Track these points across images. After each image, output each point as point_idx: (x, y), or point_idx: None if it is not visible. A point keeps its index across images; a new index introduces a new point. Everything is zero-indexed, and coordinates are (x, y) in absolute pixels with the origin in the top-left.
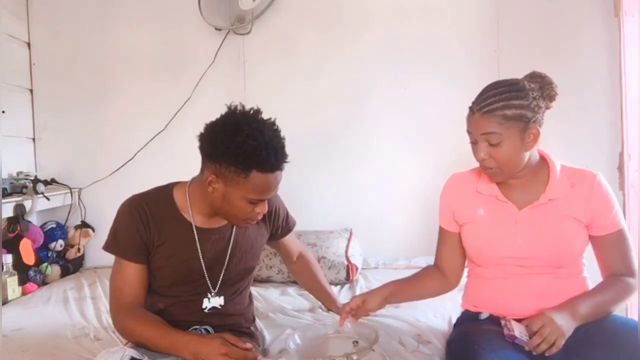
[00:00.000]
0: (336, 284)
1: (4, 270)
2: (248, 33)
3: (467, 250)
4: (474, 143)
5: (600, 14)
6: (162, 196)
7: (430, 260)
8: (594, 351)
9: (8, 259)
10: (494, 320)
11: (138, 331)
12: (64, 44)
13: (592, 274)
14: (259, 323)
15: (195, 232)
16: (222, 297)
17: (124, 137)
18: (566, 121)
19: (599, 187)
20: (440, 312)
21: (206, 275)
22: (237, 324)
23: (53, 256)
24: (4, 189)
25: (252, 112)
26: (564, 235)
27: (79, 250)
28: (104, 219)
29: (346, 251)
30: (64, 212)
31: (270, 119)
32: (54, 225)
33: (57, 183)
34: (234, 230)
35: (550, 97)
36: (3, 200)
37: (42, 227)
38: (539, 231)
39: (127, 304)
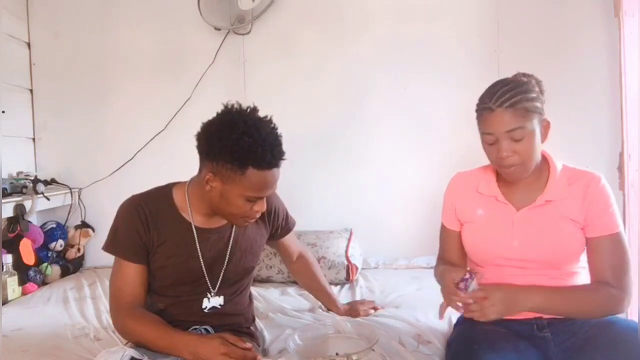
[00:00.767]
0: (336, 284)
1: (4, 270)
2: (248, 33)
3: (466, 249)
4: (493, 144)
5: (600, 14)
6: (161, 196)
7: (430, 260)
8: (595, 352)
9: (8, 259)
10: (494, 320)
11: (138, 331)
12: (64, 44)
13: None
14: (259, 323)
15: (194, 232)
16: (221, 297)
17: (124, 137)
18: (566, 121)
19: (595, 187)
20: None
21: (206, 275)
22: (237, 323)
23: (53, 256)
24: (4, 189)
25: (248, 110)
26: (560, 237)
27: (79, 250)
28: (104, 219)
29: (346, 251)
30: (64, 212)
31: (266, 116)
32: (54, 225)
33: (57, 183)
34: (233, 230)
35: (543, 93)
36: (3, 200)
37: (42, 227)
38: (535, 233)
39: (127, 304)
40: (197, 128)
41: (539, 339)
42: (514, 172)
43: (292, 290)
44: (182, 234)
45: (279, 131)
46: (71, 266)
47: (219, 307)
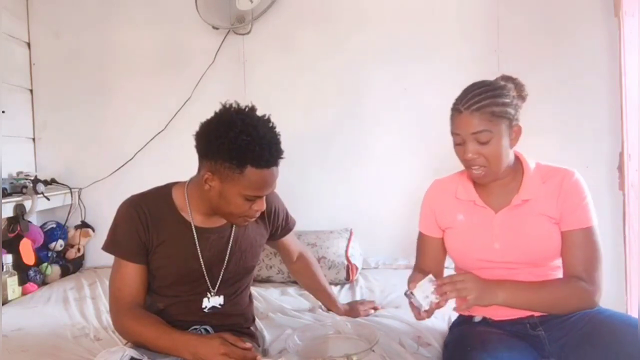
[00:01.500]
0: (336, 284)
1: (4, 270)
2: (248, 33)
3: (450, 255)
4: (460, 144)
5: (600, 14)
6: (161, 196)
7: None
8: (593, 347)
9: (8, 259)
10: (488, 322)
11: (137, 331)
12: (64, 44)
13: None
14: (258, 323)
15: (194, 231)
16: (221, 297)
17: (124, 137)
18: (566, 121)
19: (569, 183)
20: (440, 313)
21: (205, 274)
22: (237, 324)
23: (53, 256)
24: (4, 189)
25: (246, 109)
26: (539, 235)
27: (79, 250)
28: (104, 219)
29: (346, 251)
30: (64, 212)
31: (264, 115)
32: (54, 225)
33: (57, 183)
34: (233, 229)
35: (523, 98)
36: (3, 200)
37: (42, 227)
38: (515, 234)
39: (126, 304)
40: (197, 128)
41: (533, 337)
42: (480, 175)
43: (292, 290)
44: (181, 234)
45: (278, 130)
46: (71, 266)
47: (219, 306)
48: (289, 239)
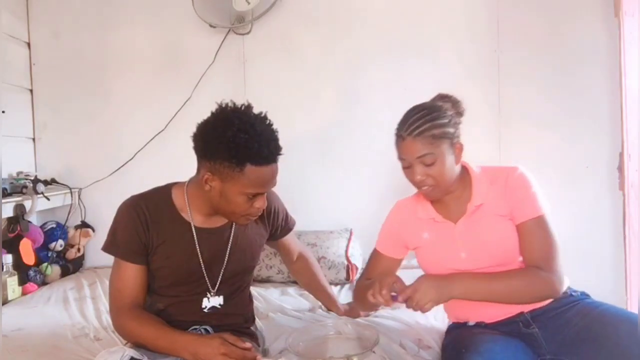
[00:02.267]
0: (336, 284)
1: (4, 270)
2: (248, 33)
3: (424, 271)
4: (408, 167)
5: (600, 14)
6: (160, 196)
7: None
8: (588, 343)
9: (8, 259)
10: (482, 325)
11: (137, 331)
12: (64, 44)
13: None
14: (258, 323)
15: (194, 232)
16: (221, 297)
17: (124, 137)
18: (566, 121)
19: (512, 178)
20: (441, 315)
21: (205, 274)
22: (236, 323)
23: (53, 256)
24: (4, 189)
25: (242, 107)
26: (498, 236)
27: (79, 250)
28: (103, 219)
29: (346, 251)
30: (64, 212)
31: (261, 112)
32: (54, 225)
33: (57, 183)
34: (232, 229)
35: (460, 114)
36: (3, 200)
37: (42, 227)
38: (476, 239)
39: (126, 304)
40: (195, 129)
41: (528, 335)
42: (430, 192)
43: (292, 290)
44: (181, 234)
45: (275, 127)
46: (71, 266)
47: (219, 306)
48: (289, 239)
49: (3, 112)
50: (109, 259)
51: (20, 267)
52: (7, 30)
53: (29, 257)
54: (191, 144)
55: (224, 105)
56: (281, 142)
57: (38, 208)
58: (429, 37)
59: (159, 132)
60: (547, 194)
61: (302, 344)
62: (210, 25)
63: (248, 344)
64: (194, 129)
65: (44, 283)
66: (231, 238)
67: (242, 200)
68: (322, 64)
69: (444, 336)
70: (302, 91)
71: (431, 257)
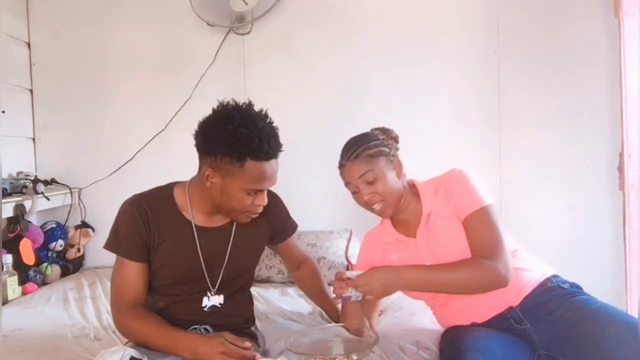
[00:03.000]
0: None
1: (4, 270)
2: (248, 33)
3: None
4: (355, 192)
5: (600, 14)
6: (162, 196)
7: None
8: (582, 343)
9: (8, 259)
10: (475, 324)
11: (138, 330)
12: (64, 44)
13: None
14: (258, 324)
15: (195, 231)
16: (221, 296)
17: (124, 137)
18: (566, 121)
19: (449, 178)
20: None
21: (206, 274)
22: (237, 323)
23: (53, 256)
24: (4, 189)
25: (243, 105)
26: (453, 238)
27: (79, 250)
28: (104, 219)
29: (346, 251)
30: (64, 212)
31: (261, 110)
32: (54, 225)
33: (57, 183)
34: (233, 229)
35: (394, 139)
36: (3, 200)
37: (42, 227)
38: (435, 247)
39: (127, 302)
40: (196, 127)
41: (521, 331)
42: (383, 210)
43: (291, 290)
44: (182, 233)
45: (275, 124)
46: (71, 266)
47: (219, 306)
48: (292, 245)
49: (3, 112)
50: (109, 259)
51: (20, 267)
52: (7, 30)
53: (29, 257)
54: (191, 144)
55: (224, 103)
56: (281, 142)
57: (38, 208)
58: (428, 37)
59: (159, 132)
60: (548, 194)
61: (302, 345)
62: (208, 24)
63: (247, 344)
64: (194, 129)
65: (44, 283)
66: (232, 237)
67: (243, 196)
68: (322, 64)
69: (441, 337)
70: (302, 91)
71: None
